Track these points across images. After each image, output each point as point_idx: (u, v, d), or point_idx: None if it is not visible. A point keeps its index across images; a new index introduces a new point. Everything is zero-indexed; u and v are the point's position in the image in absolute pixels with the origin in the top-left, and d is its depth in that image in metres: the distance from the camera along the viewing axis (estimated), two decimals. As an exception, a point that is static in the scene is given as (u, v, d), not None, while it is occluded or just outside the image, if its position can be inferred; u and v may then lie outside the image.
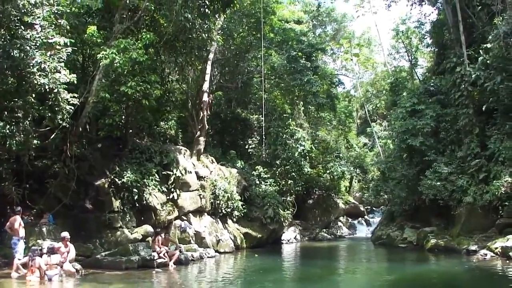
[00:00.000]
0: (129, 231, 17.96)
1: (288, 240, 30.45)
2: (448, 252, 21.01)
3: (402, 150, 26.80)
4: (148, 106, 18.16)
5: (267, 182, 27.85)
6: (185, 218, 21.28)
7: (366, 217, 42.64)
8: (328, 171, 35.54)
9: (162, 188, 20.01)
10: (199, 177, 22.66)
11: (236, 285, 13.68)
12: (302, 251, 26.64)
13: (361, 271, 17.45)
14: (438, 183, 22.80)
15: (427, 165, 24.19)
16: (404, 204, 27.03)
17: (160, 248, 16.79)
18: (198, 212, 22.18)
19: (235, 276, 15.49)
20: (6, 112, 14.62)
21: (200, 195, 22.14)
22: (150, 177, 19.19)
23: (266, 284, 13.73)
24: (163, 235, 17.40)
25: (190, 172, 21.78)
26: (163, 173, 20.31)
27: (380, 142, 41.92)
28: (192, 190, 21.83)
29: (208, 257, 19.89)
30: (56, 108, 14.96)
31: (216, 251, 21.46)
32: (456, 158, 23.66)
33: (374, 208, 44.63)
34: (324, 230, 35.87)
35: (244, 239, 24.60)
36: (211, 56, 26.01)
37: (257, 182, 27.45)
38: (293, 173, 30.04)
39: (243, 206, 24.83)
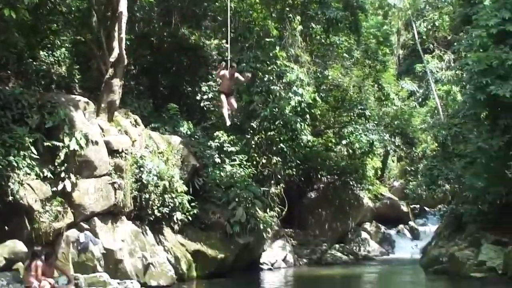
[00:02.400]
0: (-19, 252, 17.70)
1: (273, 264, 30.71)
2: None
3: (478, 105, 26.58)
4: (15, 21, 17.58)
5: (234, 159, 27.91)
6: (86, 226, 21.04)
7: (412, 223, 43.14)
8: (344, 141, 35.68)
9: (43, 173, 19.78)
10: (112, 152, 22.42)
11: None
12: (297, 285, 26.77)
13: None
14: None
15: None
16: (481, 201, 27.19)
17: (40, 281, 16.59)
18: (111, 215, 22.05)
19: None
20: None
21: (113, 184, 21.96)
22: (21, 153, 18.86)
23: None
24: (44, 257, 17.11)
25: (96, 143, 21.53)
26: (45, 144, 20.00)
27: (439, 90, 41.83)
28: (100, 176, 21.65)
29: (128, 295, 19.81)
30: None
31: (143, 284, 21.43)
32: None
33: (426, 208, 45.13)
34: (338, 246, 36.15)
35: (194, 262, 24.66)
36: None
37: (218, 160, 27.50)
38: (281, 144, 30.03)
39: (192, 204, 24.79)
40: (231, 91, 22.26)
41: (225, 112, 22.85)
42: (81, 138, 20.62)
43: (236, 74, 22.36)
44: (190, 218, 24.87)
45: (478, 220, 27.88)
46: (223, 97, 22.11)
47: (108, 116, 23.91)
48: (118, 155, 22.53)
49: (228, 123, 24.01)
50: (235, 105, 22.59)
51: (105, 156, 21.92)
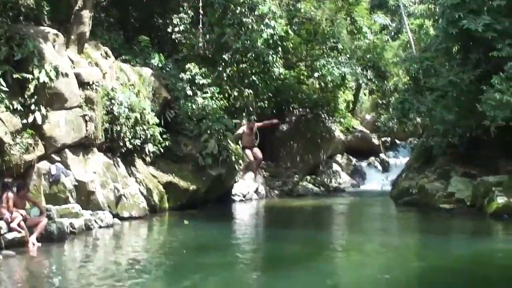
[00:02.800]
0: (-49, 184, 17.55)
1: (245, 196, 31.04)
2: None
3: (450, 39, 26.69)
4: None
5: (206, 92, 27.85)
6: (58, 158, 21.10)
7: (383, 156, 43.58)
8: (317, 74, 35.64)
9: (13, 105, 19.63)
10: (83, 84, 22.26)
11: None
12: (269, 216, 27.10)
13: (372, 253, 17.52)
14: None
15: (495, 67, 24.21)
16: (451, 135, 27.45)
17: (12, 213, 16.59)
18: (82, 147, 22.04)
19: (144, 262, 15.40)
20: None
21: (84, 116, 21.87)
22: (-10, 85, 18.64)
23: (198, 276, 13.60)
24: (15, 189, 17.13)
25: (66, 75, 21.34)
26: (14, 76, 19.82)
27: (411, 24, 41.67)
28: (70, 108, 21.54)
29: (100, 226, 20.02)
30: None
31: (116, 215, 21.69)
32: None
33: (397, 141, 45.48)
34: (309, 178, 36.46)
35: (165, 194, 24.89)
36: None
37: (189, 92, 27.44)
38: (253, 77, 30.02)
39: (164, 137, 24.92)
40: (253, 144, 22.43)
41: (253, 167, 24.49)
42: (50, 70, 20.43)
43: (256, 126, 22.54)
44: (162, 150, 25.07)
45: (447, 153, 28.32)
46: (248, 152, 22.47)
47: (78, 48, 23.65)
48: (88, 87, 22.38)
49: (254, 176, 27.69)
50: (260, 155, 22.88)
51: (76, 89, 21.79)
